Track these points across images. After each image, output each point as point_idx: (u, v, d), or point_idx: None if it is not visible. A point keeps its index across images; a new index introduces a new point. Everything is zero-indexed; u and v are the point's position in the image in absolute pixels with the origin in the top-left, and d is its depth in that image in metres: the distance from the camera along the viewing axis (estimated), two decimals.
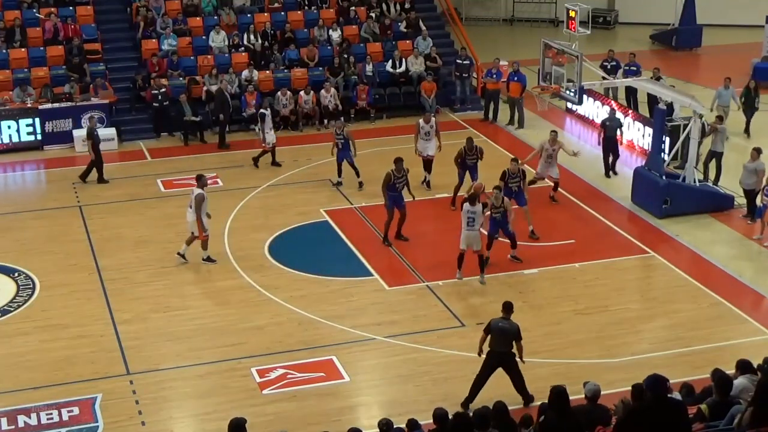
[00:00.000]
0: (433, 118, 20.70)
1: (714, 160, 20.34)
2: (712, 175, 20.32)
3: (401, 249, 17.82)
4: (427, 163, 20.45)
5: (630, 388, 10.20)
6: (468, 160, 19.30)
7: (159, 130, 24.04)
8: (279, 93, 24.16)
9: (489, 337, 12.74)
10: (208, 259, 17.22)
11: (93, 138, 21.07)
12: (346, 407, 13.27)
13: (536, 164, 19.79)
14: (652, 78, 22.65)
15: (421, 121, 20.55)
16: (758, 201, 18.48)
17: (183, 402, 13.53)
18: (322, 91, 24.45)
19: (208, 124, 23.85)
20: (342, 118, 22.33)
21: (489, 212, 16.48)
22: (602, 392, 10.69)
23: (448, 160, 20.13)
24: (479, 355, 12.94)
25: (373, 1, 27.60)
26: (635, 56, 25.35)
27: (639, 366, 13.57)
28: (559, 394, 9.39)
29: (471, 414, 10.06)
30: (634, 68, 24.73)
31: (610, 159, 21.41)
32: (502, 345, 12.67)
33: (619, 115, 22.22)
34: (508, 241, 17.07)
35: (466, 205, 16.01)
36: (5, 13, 25.24)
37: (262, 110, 21.75)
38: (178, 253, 17.17)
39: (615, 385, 12.84)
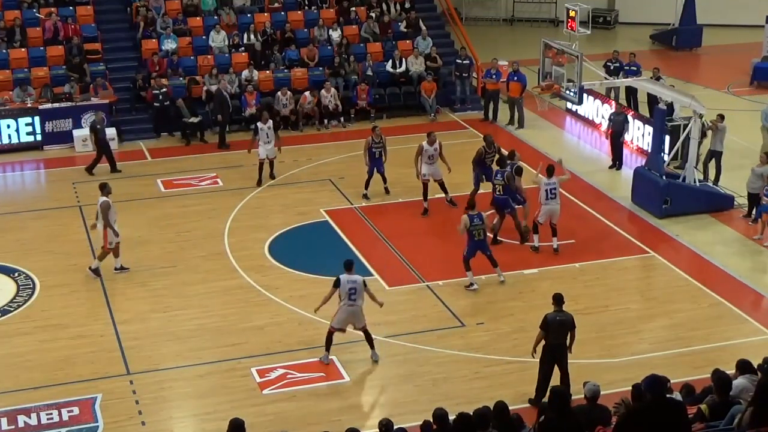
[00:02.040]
0: (437, 141, 19.13)
1: (714, 160, 20.33)
2: (711, 175, 20.32)
3: (401, 249, 17.82)
4: (441, 186, 19.39)
5: (630, 388, 10.19)
6: (487, 159, 18.98)
7: (159, 130, 24.03)
8: (279, 93, 24.17)
9: (545, 333, 12.77)
10: (96, 271, 16.69)
11: (95, 132, 21.17)
12: (346, 407, 13.26)
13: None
14: (651, 78, 22.62)
15: (424, 143, 19.04)
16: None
17: (183, 402, 13.54)
18: (322, 91, 24.45)
19: (208, 124, 23.85)
20: (378, 126, 20.54)
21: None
22: (602, 392, 10.69)
23: (454, 160, 20.10)
24: (533, 355, 12.97)
25: (373, 1, 27.60)
26: (635, 56, 25.34)
27: (639, 366, 13.58)
28: (558, 394, 9.40)
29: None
30: (635, 68, 24.71)
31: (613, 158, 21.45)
32: (560, 337, 12.78)
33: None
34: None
35: (344, 276, 13.83)
36: (5, 13, 25.23)
37: (257, 123, 20.79)
38: (115, 268, 16.87)
39: (615, 385, 12.84)
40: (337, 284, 13.91)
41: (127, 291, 16.41)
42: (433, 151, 19.03)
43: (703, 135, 20.01)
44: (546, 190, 17.23)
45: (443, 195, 19.64)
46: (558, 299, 12.88)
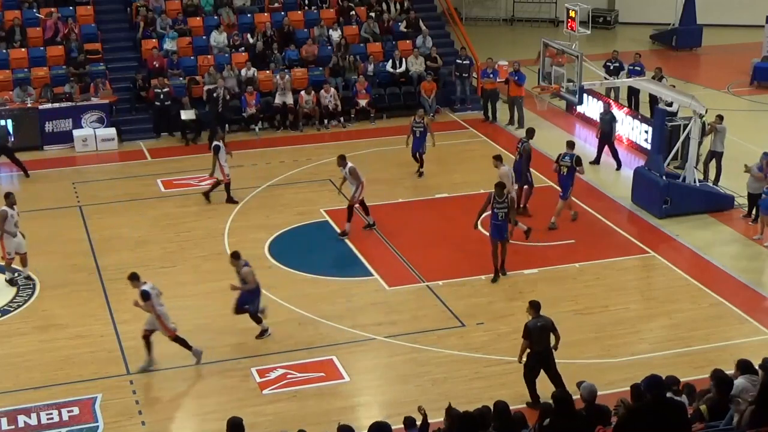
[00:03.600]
0: (348, 165, 17.89)
1: (714, 160, 20.33)
2: (711, 175, 20.31)
3: (401, 249, 17.82)
4: (349, 209, 18.17)
5: (629, 388, 10.19)
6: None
7: (159, 130, 24.01)
8: (303, 92, 24.27)
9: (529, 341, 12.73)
10: (11, 282, 16.53)
11: None
12: (346, 407, 13.29)
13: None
14: (653, 78, 22.60)
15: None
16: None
17: (183, 402, 13.56)
18: (322, 91, 24.47)
19: (207, 124, 23.80)
20: (422, 111, 21.59)
21: None
22: (603, 392, 10.70)
23: (454, 160, 20.06)
24: (519, 362, 12.97)
25: (373, 0, 27.61)
26: (640, 56, 25.35)
27: (639, 366, 13.59)
28: (561, 399, 9.36)
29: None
30: (638, 68, 24.72)
31: (607, 157, 21.53)
32: (543, 342, 12.77)
33: (615, 111, 22.33)
34: None
35: (148, 286, 13.90)
36: (5, 13, 25.24)
37: (216, 143, 19.75)
38: (23, 276, 16.68)
39: (615, 385, 12.90)
40: (147, 296, 13.84)
41: (127, 291, 16.22)
42: (343, 173, 18.05)
43: (704, 134, 20.02)
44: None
45: (448, 195, 19.71)
46: (535, 306, 12.86)
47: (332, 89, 24.59)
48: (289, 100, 24.28)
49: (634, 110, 23.86)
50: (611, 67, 24.78)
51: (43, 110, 23.06)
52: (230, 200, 19.76)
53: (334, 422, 12.44)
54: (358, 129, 24.43)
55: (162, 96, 23.69)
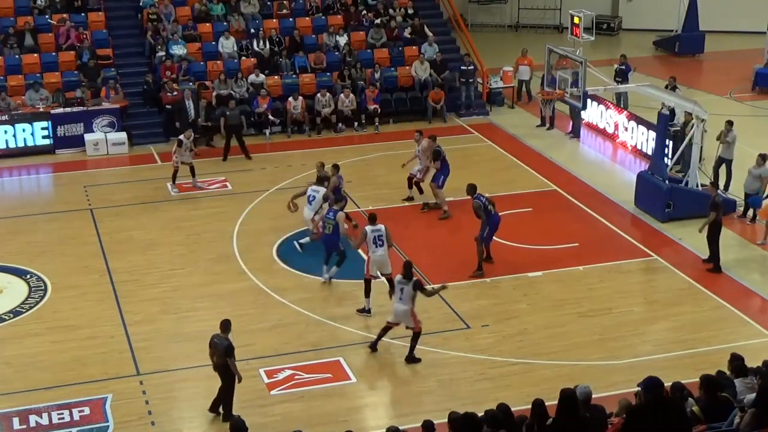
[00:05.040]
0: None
1: (724, 167, 20.38)
2: (721, 181, 20.35)
3: (407, 252, 17.95)
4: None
5: (633, 389, 10.27)
6: None
7: (169, 134, 24.17)
8: (319, 95, 24.51)
9: None
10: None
11: None
12: (352, 408, 13.45)
13: None
14: (667, 87, 22.69)
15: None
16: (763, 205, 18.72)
17: (192, 402, 13.66)
18: (342, 95, 24.66)
19: (217, 129, 23.95)
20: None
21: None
22: (607, 394, 10.83)
23: (459, 164, 20.16)
24: None
25: (379, 7, 27.81)
26: (626, 57, 25.54)
27: (642, 368, 13.64)
28: (567, 396, 9.48)
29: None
30: (623, 67, 24.97)
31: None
32: None
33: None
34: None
35: None
36: (17, 19, 25.45)
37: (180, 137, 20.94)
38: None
39: (618, 386, 13.01)
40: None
41: (137, 292, 16.61)
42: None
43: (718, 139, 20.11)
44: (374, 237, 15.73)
45: (455, 199, 19.89)
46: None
47: (351, 95, 24.76)
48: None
49: (623, 109, 23.98)
50: (617, 71, 25.01)
51: (55, 115, 23.26)
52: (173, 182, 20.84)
53: (341, 423, 12.66)
54: (365, 134, 24.62)
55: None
